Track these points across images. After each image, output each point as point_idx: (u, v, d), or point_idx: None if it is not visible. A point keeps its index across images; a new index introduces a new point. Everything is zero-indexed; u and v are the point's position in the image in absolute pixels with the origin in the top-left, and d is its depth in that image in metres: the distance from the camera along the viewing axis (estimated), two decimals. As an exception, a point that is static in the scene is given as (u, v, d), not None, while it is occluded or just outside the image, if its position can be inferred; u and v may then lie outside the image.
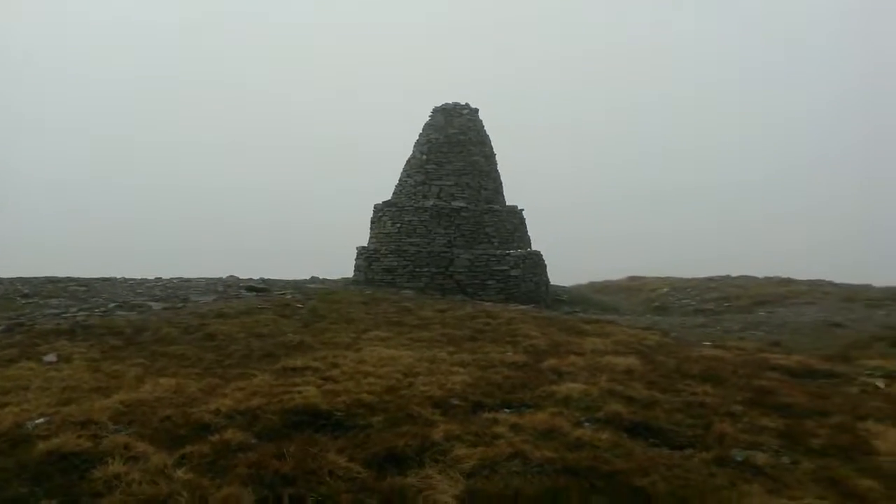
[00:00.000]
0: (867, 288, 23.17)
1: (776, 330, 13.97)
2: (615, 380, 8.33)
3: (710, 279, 27.81)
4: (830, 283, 24.81)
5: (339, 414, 6.91)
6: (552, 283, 24.95)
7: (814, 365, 9.87)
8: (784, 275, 27.64)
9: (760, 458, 6.04)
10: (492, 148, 24.85)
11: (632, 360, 9.41)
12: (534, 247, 24.28)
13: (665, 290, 26.80)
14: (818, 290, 21.80)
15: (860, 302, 19.05)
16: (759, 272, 29.38)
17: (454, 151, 23.53)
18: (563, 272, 28.62)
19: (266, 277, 21.34)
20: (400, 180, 24.32)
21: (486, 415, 7.01)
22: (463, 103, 24.84)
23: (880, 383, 9.11)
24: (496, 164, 24.83)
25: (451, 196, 22.87)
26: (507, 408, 7.39)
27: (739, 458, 6.03)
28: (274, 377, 8.37)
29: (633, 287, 29.16)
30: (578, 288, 29.19)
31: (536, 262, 23.20)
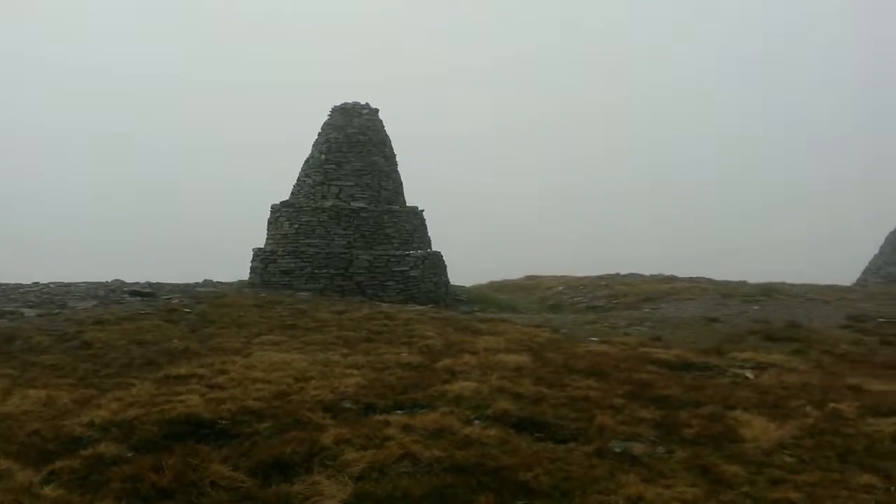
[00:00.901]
0: (743, 284, 24.84)
1: (658, 325, 14.73)
2: (506, 377, 8.52)
3: (601, 277, 28.95)
4: (709, 280, 26.42)
5: (223, 422, 6.70)
6: (453, 283, 25.20)
7: (690, 358, 10.47)
8: (668, 272, 29.21)
9: (638, 448, 6.35)
10: (392, 149, 24.79)
11: (522, 358, 9.66)
12: (434, 247, 24.45)
13: (560, 288, 27.66)
14: (698, 287, 23.16)
15: (736, 298, 20.39)
16: (647, 270, 30.94)
17: (354, 151, 23.31)
18: (464, 272, 29.02)
19: (154, 281, 20.36)
20: (298, 180, 23.84)
21: (378, 417, 7.01)
22: (363, 103, 24.67)
23: (750, 374, 9.78)
24: (397, 165, 24.79)
25: (350, 196, 22.65)
26: (400, 409, 7.42)
27: (618, 450, 6.32)
28: (155, 386, 8.01)
29: (530, 286, 29.92)
30: (478, 287, 29.64)
31: (436, 262, 23.37)
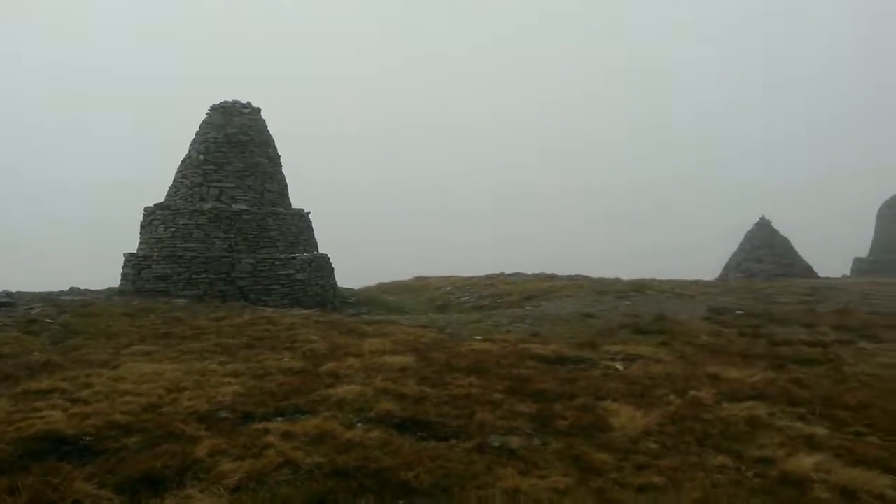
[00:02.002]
0: (617, 281, 26.19)
1: (538, 322, 15.27)
2: (390, 379, 8.55)
3: (487, 277, 29.64)
4: (586, 278, 27.70)
5: (88, 438, 6.32)
6: (342, 285, 24.96)
7: (566, 352, 10.93)
8: (550, 272, 30.34)
9: (515, 441, 6.57)
10: (276, 149, 24.21)
11: (407, 359, 9.72)
12: (322, 250, 24.12)
13: (447, 288, 28.04)
14: (576, 285, 24.19)
15: (610, 294, 21.47)
16: (530, 270, 31.99)
17: (235, 152, 22.57)
18: (353, 274, 28.82)
19: (13, 290, 18.78)
20: (174, 181, 22.78)
21: (257, 425, 6.84)
22: (244, 101, 23.92)
23: (620, 366, 10.34)
24: (281, 167, 24.25)
25: (232, 198, 21.92)
26: (281, 416, 7.28)
27: (497, 444, 6.51)
28: (11, 402, 7.40)
29: (419, 287, 30.12)
30: (367, 290, 29.52)
31: (323, 265, 23.07)
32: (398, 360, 9.63)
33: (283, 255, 21.30)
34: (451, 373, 9.13)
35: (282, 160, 24.28)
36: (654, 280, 26.80)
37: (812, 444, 6.85)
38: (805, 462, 6.18)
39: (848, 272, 42.53)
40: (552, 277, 28.41)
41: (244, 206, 21.64)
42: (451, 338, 12.75)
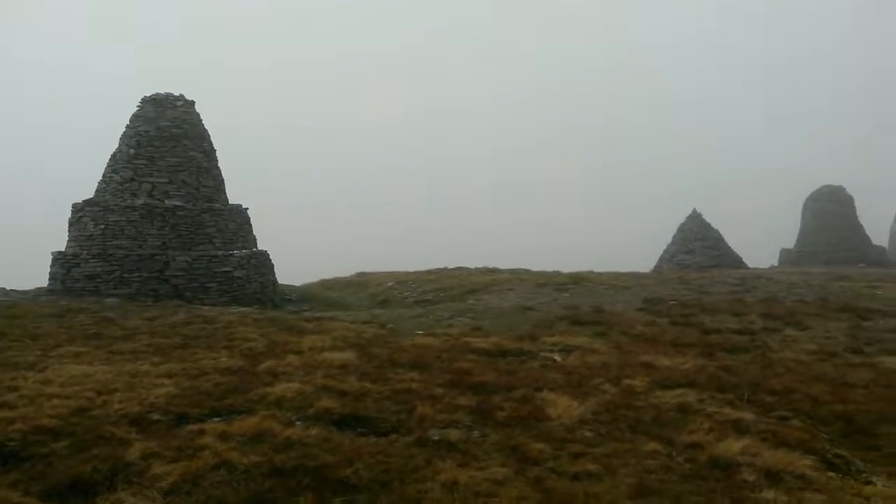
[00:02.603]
0: (557, 274, 26.65)
1: (480, 316, 15.42)
2: (330, 375, 8.49)
3: (430, 272, 29.69)
4: (527, 271, 28.09)
5: (12, 444, 6.08)
6: (282, 282, 24.57)
7: (506, 345, 11.08)
8: (491, 265, 30.65)
9: (454, 434, 6.63)
10: (212, 143, 23.61)
11: (348, 355, 9.67)
12: (261, 246, 23.69)
13: (390, 284, 27.95)
14: (517, 278, 24.51)
15: (550, 287, 21.82)
16: (473, 264, 32.21)
17: (168, 146, 21.91)
18: (295, 271, 28.45)
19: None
20: (104, 176, 21.97)
21: (192, 426, 6.71)
22: (177, 94, 23.24)
23: (558, 357, 10.55)
24: (217, 161, 23.67)
25: (165, 194, 21.29)
26: (217, 416, 7.15)
27: (436, 438, 6.56)
28: (-72, 410, 7.03)
29: (361, 282, 29.94)
30: (309, 286, 29.17)
31: (263, 262, 22.67)
32: (339, 356, 9.58)
33: (220, 253, 20.83)
34: (392, 368, 9.13)
35: (218, 154, 23.72)
36: (592, 273, 27.36)
37: (739, 428, 7.15)
38: (733, 446, 6.44)
39: (776, 263, 44.39)
40: (494, 271, 28.68)
41: (178, 202, 21.06)
42: (393, 333, 12.75)
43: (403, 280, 28.10)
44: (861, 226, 43.77)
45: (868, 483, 6.29)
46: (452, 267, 31.75)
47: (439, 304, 19.98)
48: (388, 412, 7.24)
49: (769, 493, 5.59)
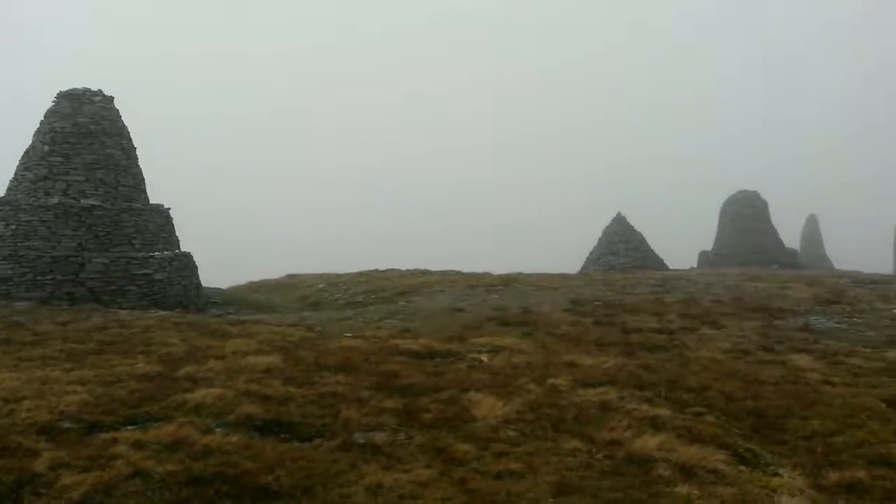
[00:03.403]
0: (487, 275, 26.93)
1: (410, 317, 15.41)
2: (254, 380, 8.32)
3: (361, 274, 29.47)
4: (458, 273, 28.27)
5: None
6: (207, 285, 23.89)
7: (435, 346, 11.11)
8: (423, 267, 30.69)
9: (379, 437, 6.61)
10: (131, 141, 22.72)
11: (273, 359, 9.49)
12: (186, 248, 22.97)
13: (321, 285, 27.59)
14: (448, 280, 24.63)
15: (480, 288, 22.02)
16: (405, 266, 32.16)
17: (84, 143, 20.95)
18: (223, 273, 27.70)
19: None
20: (16, 175, 20.83)
21: (105, 435, 6.47)
22: (95, 89, 22.27)
23: (485, 358, 10.65)
24: (137, 159, 22.80)
25: (81, 193, 20.34)
26: (132, 424, 6.92)
27: (362, 441, 6.52)
28: None
29: (291, 284, 29.44)
30: (235, 289, 28.48)
31: (186, 264, 21.94)
32: (263, 360, 9.38)
33: (139, 254, 20.07)
34: (318, 371, 9.02)
35: (138, 152, 22.86)
36: (522, 274, 27.76)
37: (656, 425, 7.40)
38: (649, 442, 6.67)
39: (695, 264, 46.18)
40: (426, 273, 28.71)
41: (95, 202, 20.17)
42: (321, 336, 12.58)
43: (335, 282, 27.79)
44: (774, 229, 46.05)
45: (775, 475, 6.62)
46: (384, 269, 31.61)
47: (370, 305, 19.86)
48: (313, 417, 7.15)
49: (683, 488, 5.81)
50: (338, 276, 29.72)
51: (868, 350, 12.70)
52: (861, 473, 6.53)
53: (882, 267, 45.91)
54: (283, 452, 6.18)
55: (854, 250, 53.38)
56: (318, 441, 6.59)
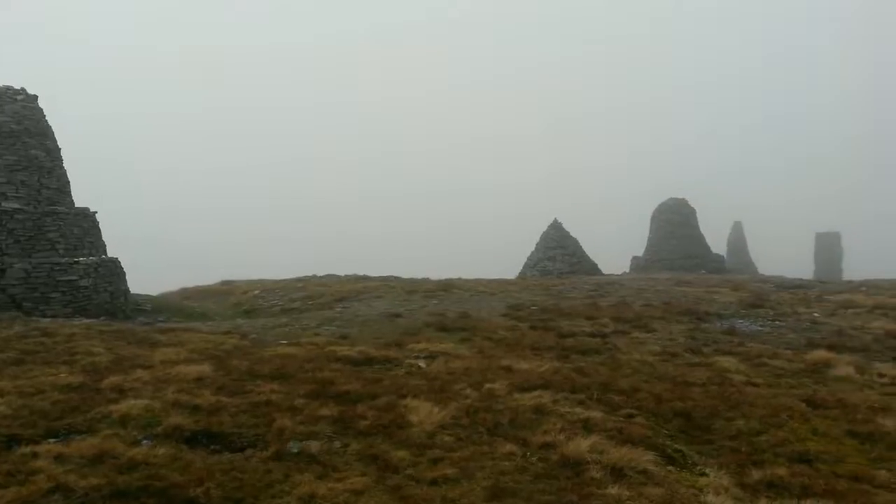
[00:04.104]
0: (426, 281, 26.93)
1: (348, 323, 15.26)
2: (183, 390, 8.08)
3: (298, 279, 29.02)
4: (397, 278, 28.18)
5: None
6: (136, 291, 23.09)
7: (373, 353, 11.04)
8: (361, 272, 30.47)
9: (314, 446, 6.52)
10: (56, 142, 21.80)
11: (203, 368, 9.24)
12: (111, 253, 22.13)
13: (256, 292, 27.02)
14: (387, 285, 24.52)
15: (419, 293, 22.01)
16: (343, 271, 31.84)
17: (6, 143, 20.00)
18: (153, 279, 26.80)
19: None
20: (-70, 176, 19.68)
21: (24, 449, 6.19)
22: (17, 87, 21.27)
23: (423, 363, 10.66)
24: (62, 161, 21.89)
25: (2, 196, 19.39)
26: (54, 437, 6.63)
27: (295, 450, 6.42)
28: None
29: (225, 291, 28.70)
30: (167, 296, 27.61)
31: (113, 270, 21.15)
32: (193, 369, 9.12)
33: (64, 260, 19.25)
34: (252, 380, 8.83)
35: (63, 153, 21.95)
36: (461, 279, 27.90)
37: (589, 427, 7.55)
38: (582, 445, 6.80)
39: (628, 269, 47.40)
40: (364, 278, 28.50)
41: (16, 205, 19.25)
42: (255, 343, 12.33)
43: (271, 288, 27.25)
44: (702, 235, 47.69)
45: (702, 475, 6.86)
46: (322, 274, 31.22)
47: (307, 312, 19.58)
48: (245, 426, 7.01)
49: (614, 489, 5.95)
50: (274, 282, 29.16)
51: (789, 352, 13.30)
52: (782, 471, 6.84)
53: (804, 272, 48.34)
54: (213, 464, 6.03)
55: (778, 256, 56.01)
56: (250, 451, 6.45)
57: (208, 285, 31.09)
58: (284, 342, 12.41)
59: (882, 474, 7.09)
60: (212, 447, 6.55)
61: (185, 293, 29.23)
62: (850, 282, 32.08)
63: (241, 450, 6.50)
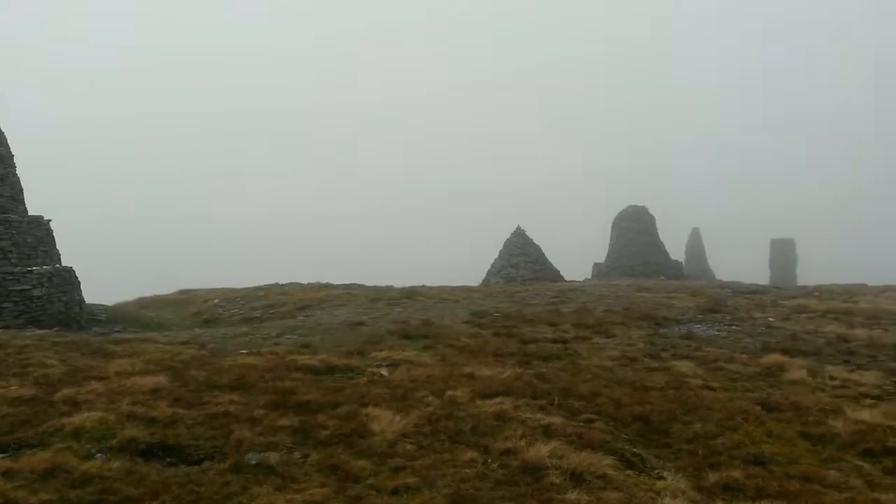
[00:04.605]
0: (390, 289, 26.86)
1: (309, 332, 15.11)
2: (139, 402, 7.91)
3: (259, 288, 28.66)
4: (360, 286, 28.03)
5: None
6: (91, 301, 22.56)
7: (334, 362, 10.96)
8: (324, 280, 30.24)
9: (273, 457, 6.44)
10: (9, 148, 21.24)
11: (160, 379, 9.06)
12: (65, 262, 21.59)
13: (216, 301, 26.60)
14: (350, 293, 24.34)
15: (383, 301, 21.92)
16: (305, 279, 31.54)
17: (-47, 149, 19.41)
18: (108, 289, 26.19)
19: None
20: None
21: (-30, 466, 5.94)
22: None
23: (385, 372, 10.62)
24: (14, 168, 21.35)
25: (-50, 203, 18.80)
26: (3, 452, 6.44)
27: (254, 462, 6.33)
28: None
29: (184, 300, 28.20)
30: (123, 305, 27.02)
31: (67, 279, 20.64)
32: (149, 380, 8.94)
33: (16, 269, 18.72)
34: (210, 391, 8.68)
35: (16, 160, 21.37)
36: (424, 287, 27.89)
37: (549, 432, 7.61)
38: (542, 450, 6.85)
39: (589, 276, 47.97)
40: (327, 286, 28.26)
41: (-35, 213, 18.66)
42: (214, 353, 12.12)
43: (231, 297, 26.86)
44: (661, 242, 48.55)
45: (660, 478, 6.97)
46: (284, 282, 30.88)
47: (268, 321, 19.36)
48: (203, 438, 6.89)
49: (573, 494, 6.00)
50: (235, 290, 28.73)
51: (745, 356, 13.61)
52: (737, 473, 6.99)
53: (760, 278, 49.55)
54: (169, 477, 5.91)
55: (734, 262, 57.32)
56: (207, 464, 6.35)
57: (166, 294, 30.51)
58: (244, 352, 12.24)
59: (832, 474, 7.30)
60: (168, 460, 6.42)
61: (142, 303, 28.65)
62: (804, 287, 33.00)
63: (198, 462, 6.39)
